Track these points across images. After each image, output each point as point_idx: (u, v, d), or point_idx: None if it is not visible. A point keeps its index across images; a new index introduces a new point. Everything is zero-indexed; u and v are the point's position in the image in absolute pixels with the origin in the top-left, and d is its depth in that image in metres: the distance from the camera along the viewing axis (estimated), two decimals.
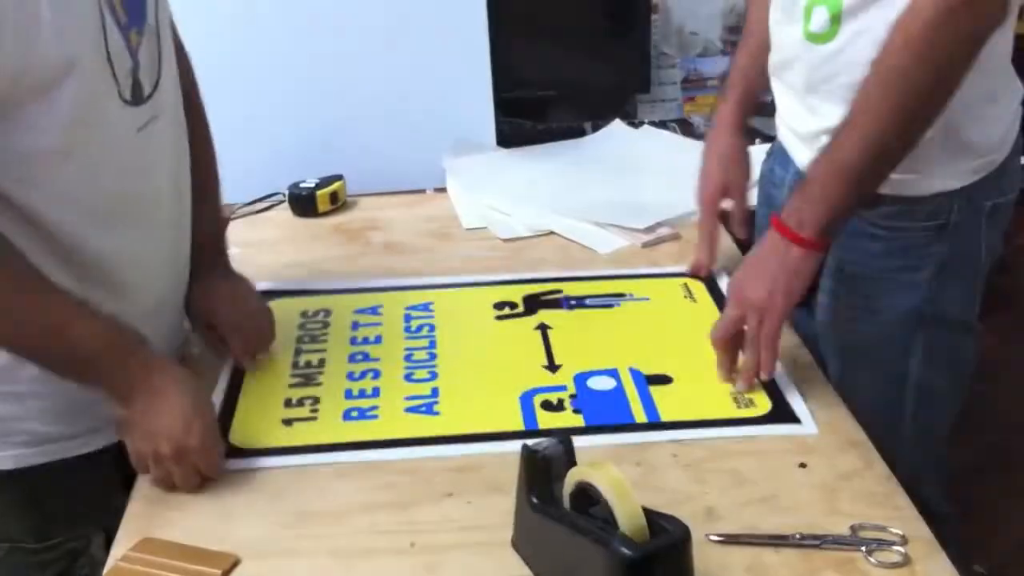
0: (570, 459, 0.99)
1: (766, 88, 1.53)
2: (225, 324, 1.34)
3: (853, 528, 1.04)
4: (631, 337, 1.42)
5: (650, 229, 1.71)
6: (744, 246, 1.54)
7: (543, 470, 0.98)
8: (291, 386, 1.31)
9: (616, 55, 2.31)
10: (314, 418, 1.25)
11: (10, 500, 1.22)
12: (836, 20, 1.26)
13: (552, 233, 1.72)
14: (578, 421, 1.24)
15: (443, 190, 1.92)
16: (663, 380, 1.31)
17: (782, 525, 1.05)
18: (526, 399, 1.28)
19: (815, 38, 1.29)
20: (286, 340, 1.41)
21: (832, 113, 1.25)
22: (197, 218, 1.34)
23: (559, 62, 2.27)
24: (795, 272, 1.22)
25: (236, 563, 1.03)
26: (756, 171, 1.58)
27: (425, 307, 1.50)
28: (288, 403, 1.28)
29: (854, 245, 1.34)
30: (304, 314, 1.48)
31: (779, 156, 1.49)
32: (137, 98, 1.16)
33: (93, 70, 1.08)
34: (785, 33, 1.35)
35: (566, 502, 0.97)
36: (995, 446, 2.52)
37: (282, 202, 1.85)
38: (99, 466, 1.18)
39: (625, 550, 0.88)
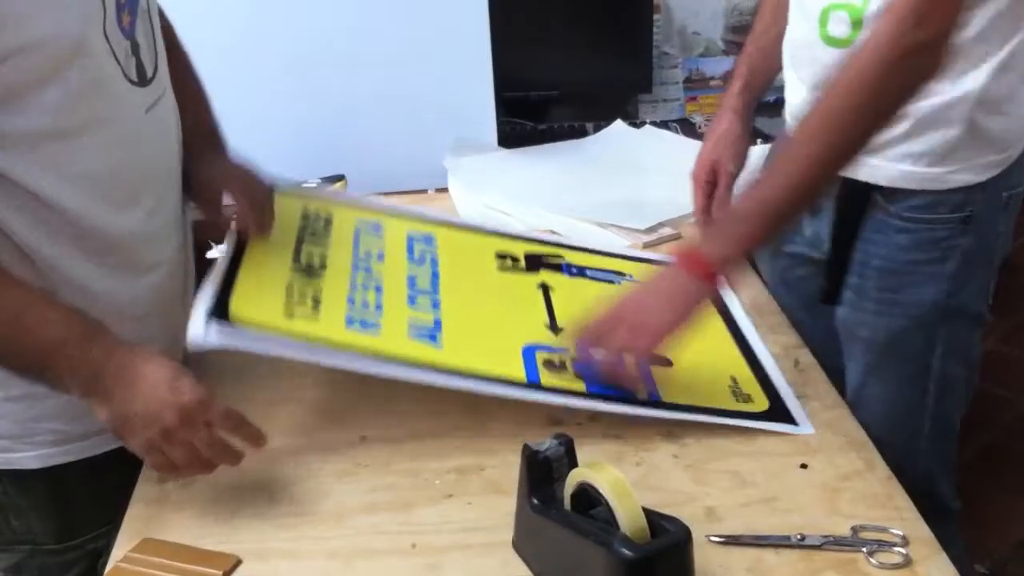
0: (571, 460, 0.99)
1: (771, 79, 1.53)
2: (233, 185, 1.32)
3: (854, 529, 1.04)
4: None
5: (651, 229, 1.71)
6: None
7: (544, 471, 0.98)
8: (292, 278, 1.26)
9: (618, 55, 2.31)
10: (315, 317, 1.20)
11: (35, 500, 1.22)
12: (857, 25, 1.27)
13: (553, 232, 1.72)
14: (579, 386, 1.22)
15: (444, 190, 1.91)
16: (663, 362, 1.28)
17: (783, 526, 1.05)
18: (528, 353, 1.26)
19: (834, 42, 1.30)
20: (287, 231, 1.36)
21: None
22: (187, 104, 1.32)
23: (560, 62, 2.26)
24: (693, 306, 1.20)
25: (237, 564, 1.03)
26: (754, 164, 1.58)
27: (427, 239, 1.46)
28: (289, 293, 1.22)
29: (881, 239, 1.35)
30: (305, 215, 1.43)
31: None
32: (142, 79, 1.17)
33: (97, 52, 1.08)
34: (801, 31, 1.36)
35: (567, 503, 0.97)
36: (995, 445, 2.53)
37: None
38: (123, 463, 1.15)
39: (626, 551, 0.88)
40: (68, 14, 1.04)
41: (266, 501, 1.12)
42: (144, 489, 1.15)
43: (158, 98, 1.21)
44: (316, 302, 1.23)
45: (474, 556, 1.03)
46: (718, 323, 1.40)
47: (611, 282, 1.49)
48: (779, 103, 1.53)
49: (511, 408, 1.23)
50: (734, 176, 1.54)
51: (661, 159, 2.04)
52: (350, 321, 1.22)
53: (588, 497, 0.94)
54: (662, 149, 2.10)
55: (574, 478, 0.96)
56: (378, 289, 1.30)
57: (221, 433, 1.06)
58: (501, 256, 1.49)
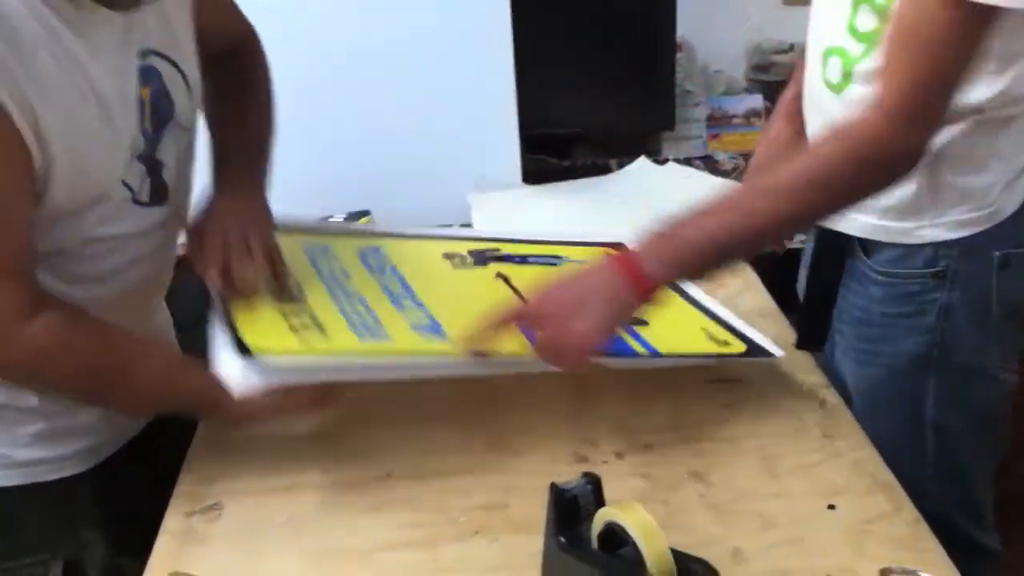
0: (598, 499, 0.99)
1: None
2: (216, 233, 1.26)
3: (882, 572, 1.03)
4: None
5: None
6: None
7: (571, 510, 0.98)
8: (282, 308, 1.23)
9: (641, 93, 2.32)
10: (325, 336, 1.18)
11: None
12: (848, 77, 1.26)
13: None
14: None
15: (468, 226, 1.92)
16: (641, 322, 1.31)
17: (809, 568, 1.05)
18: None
19: (831, 86, 1.30)
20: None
21: None
22: (239, 132, 1.36)
23: (584, 100, 2.28)
24: (622, 313, 1.17)
25: None
26: None
27: (376, 251, 1.46)
28: (288, 320, 1.20)
29: (859, 290, 1.35)
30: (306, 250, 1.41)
31: None
32: (157, 199, 1.21)
33: (111, 186, 1.14)
34: (811, 77, 1.36)
35: (594, 542, 0.97)
36: None
37: None
38: (75, 494, 1.18)
39: None
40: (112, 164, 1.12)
41: (292, 536, 1.12)
42: (172, 521, 1.15)
43: (174, 213, 1.24)
44: (317, 323, 1.21)
45: None
46: (676, 299, 1.46)
47: (552, 264, 1.53)
48: None
49: (536, 445, 1.24)
50: None
51: (684, 195, 2.03)
52: (359, 333, 1.21)
53: (616, 537, 0.94)
54: (685, 185, 2.11)
55: (602, 517, 0.96)
56: (363, 301, 1.30)
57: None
58: (449, 256, 1.51)
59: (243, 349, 1.12)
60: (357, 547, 1.11)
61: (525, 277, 1.44)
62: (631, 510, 0.93)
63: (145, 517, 1.17)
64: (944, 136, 1.22)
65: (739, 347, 1.33)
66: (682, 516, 1.14)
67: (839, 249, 1.36)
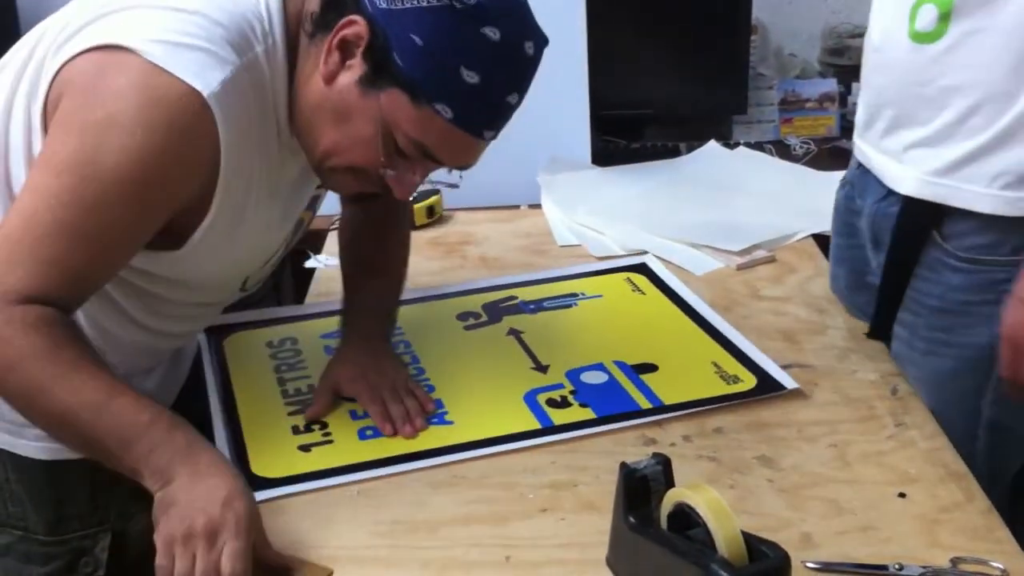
0: (668, 480, 0.99)
1: None
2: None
3: (953, 561, 1.03)
4: (602, 332, 1.48)
5: (745, 251, 1.70)
6: None
7: (641, 489, 0.99)
8: (290, 414, 1.29)
9: (713, 76, 2.31)
10: (330, 441, 1.24)
11: (34, 489, 1.24)
12: (945, 19, 1.23)
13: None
14: (588, 414, 1.28)
15: (537, 206, 1.93)
16: (650, 368, 1.36)
17: (880, 555, 1.04)
18: (530, 399, 1.30)
19: (920, 37, 1.26)
20: (262, 370, 1.40)
21: (928, 120, 1.26)
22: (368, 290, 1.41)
23: (655, 81, 2.27)
24: None
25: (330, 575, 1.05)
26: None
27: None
28: (296, 431, 1.26)
29: (935, 277, 1.31)
30: (271, 344, 1.47)
31: (858, 184, 1.45)
32: (245, 288, 1.31)
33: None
34: (889, 36, 1.31)
35: (663, 523, 0.97)
36: None
37: None
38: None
39: (725, 573, 0.88)
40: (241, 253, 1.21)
41: (363, 508, 1.14)
42: None
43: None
44: (324, 426, 1.27)
45: (568, 572, 1.04)
46: (684, 320, 1.50)
47: (568, 307, 1.56)
48: None
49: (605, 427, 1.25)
50: None
51: (755, 181, 2.04)
52: (363, 435, 1.26)
53: (685, 517, 0.94)
54: (756, 171, 2.09)
55: (672, 498, 0.96)
56: None
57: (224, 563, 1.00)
58: (462, 316, 1.53)
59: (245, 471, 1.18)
60: (426, 520, 1.12)
61: (537, 329, 1.48)
62: (701, 491, 0.93)
63: None
64: None
65: (749, 382, 1.33)
66: (751, 500, 1.13)
67: (918, 239, 1.33)
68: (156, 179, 1.03)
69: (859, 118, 1.42)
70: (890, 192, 1.34)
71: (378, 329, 1.38)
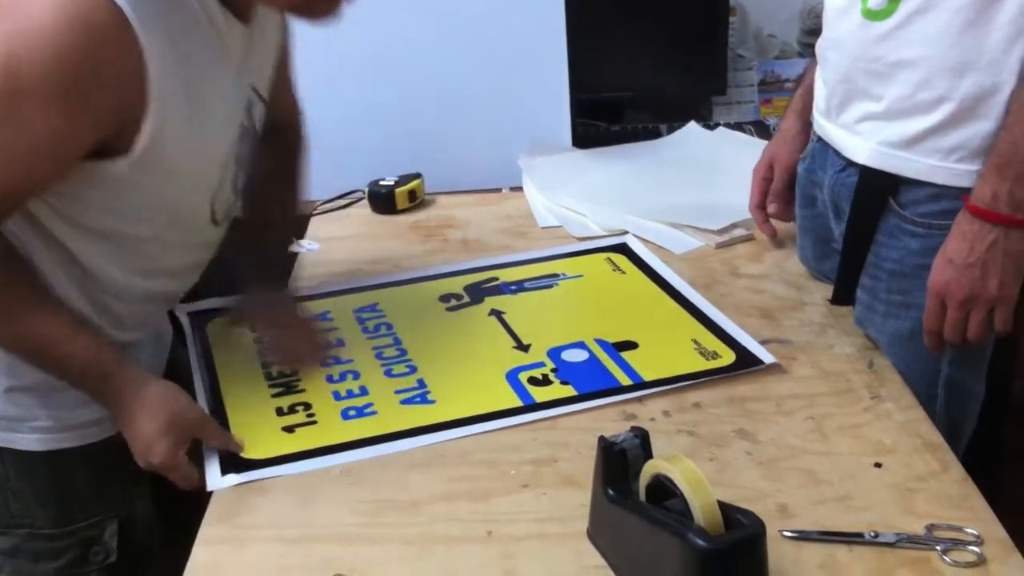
0: (646, 453, 1.01)
1: None
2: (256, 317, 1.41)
3: (928, 528, 1.04)
4: (583, 312, 1.52)
5: (725, 230, 1.71)
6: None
7: (620, 462, 1.00)
8: (275, 396, 1.31)
9: (692, 57, 2.31)
10: (314, 422, 1.26)
11: (36, 483, 1.26)
12: None
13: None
14: (569, 391, 1.30)
15: (519, 189, 1.94)
16: (630, 346, 1.39)
17: (856, 524, 1.06)
18: (512, 378, 1.32)
19: (872, 15, 1.29)
20: (247, 352, 1.42)
21: (879, 95, 1.29)
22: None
23: (635, 64, 2.27)
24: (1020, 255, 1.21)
25: None
26: None
27: (372, 308, 1.52)
28: (280, 412, 1.28)
29: (893, 243, 1.33)
30: (254, 328, 1.47)
31: (818, 157, 1.48)
32: (223, 220, 1.28)
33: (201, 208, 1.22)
34: (843, 14, 1.34)
35: (642, 495, 0.98)
36: None
37: (362, 199, 1.89)
38: (124, 452, 1.20)
39: (701, 542, 0.89)
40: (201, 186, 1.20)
41: (346, 487, 1.15)
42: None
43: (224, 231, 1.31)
44: (308, 407, 1.29)
45: (549, 545, 1.05)
46: (663, 298, 1.52)
47: (549, 287, 1.58)
48: None
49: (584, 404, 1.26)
50: (789, 171, 1.57)
51: (734, 161, 2.03)
52: (346, 415, 1.27)
53: (663, 489, 0.95)
54: (736, 151, 2.10)
55: (649, 470, 0.98)
56: (355, 374, 1.35)
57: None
58: (444, 298, 1.54)
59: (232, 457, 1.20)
60: (409, 498, 1.13)
61: (518, 309, 1.50)
62: (678, 462, 0.95)
63: None
64: None
65: (728, 358, 1.35)
66: (729, 472, 1.15)
67: (876, 206, 1.35)
68: (76, 86, 0.99)
69: (817, 93, 1.47)
70: (848, 163, 1.38)
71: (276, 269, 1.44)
